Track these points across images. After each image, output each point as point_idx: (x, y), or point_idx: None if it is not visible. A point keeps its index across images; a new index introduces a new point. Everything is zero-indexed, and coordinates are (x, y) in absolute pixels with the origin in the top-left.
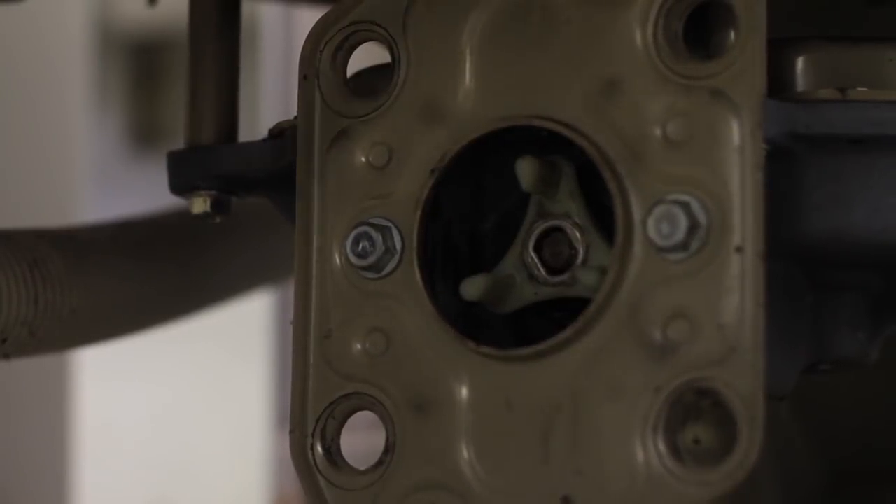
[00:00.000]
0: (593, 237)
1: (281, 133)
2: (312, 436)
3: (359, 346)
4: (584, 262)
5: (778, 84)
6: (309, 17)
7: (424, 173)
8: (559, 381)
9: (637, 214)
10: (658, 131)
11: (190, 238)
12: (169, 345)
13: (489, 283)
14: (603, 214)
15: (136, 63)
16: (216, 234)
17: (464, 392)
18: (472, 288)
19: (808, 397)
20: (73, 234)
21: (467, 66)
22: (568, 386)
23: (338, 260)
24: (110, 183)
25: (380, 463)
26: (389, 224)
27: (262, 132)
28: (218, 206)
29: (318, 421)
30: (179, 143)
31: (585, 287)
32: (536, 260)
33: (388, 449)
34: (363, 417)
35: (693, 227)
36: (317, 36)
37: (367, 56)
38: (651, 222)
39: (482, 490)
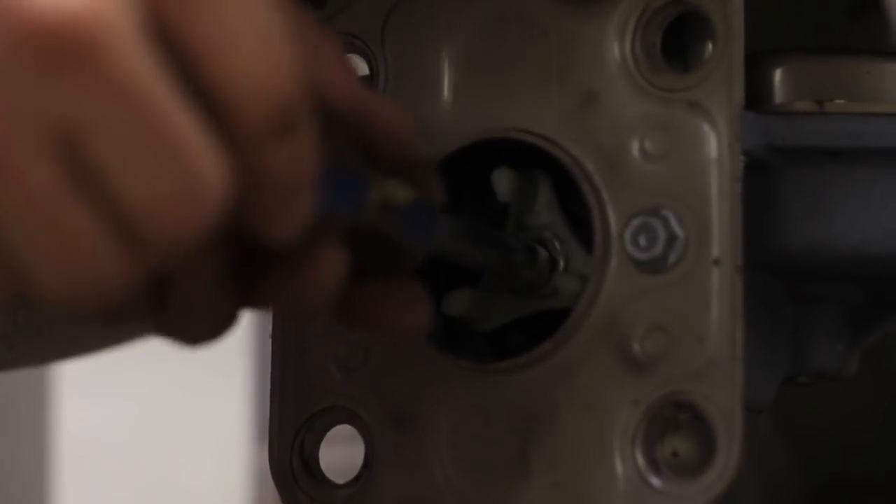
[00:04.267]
0: (573, 247)
1: None
2: (291, 449)
3: (337, 360)
4: (564, 271)
5: (756, 96)
6: None
7: None
8: (538, 395)
9: (615, 227)
10: (636, 144)
11: None
12: (149, 357)
13: (472, 298)
14: (581, 226)
15: None
16: None
17: (443, 405)
18: (455, 303)
19: (787, 409)
20: None
21: (445, 78)
22: (546, 399)
23: None
24: None
25: (359, 476)
26: None
27: None
28: None
29: (296, 434)
30: None
31: (566, 294)
32: None
33: (367, 462)
34: (343, 431)
35: (671, 239)
36: None
37: None
38: (628, 235)
39: None
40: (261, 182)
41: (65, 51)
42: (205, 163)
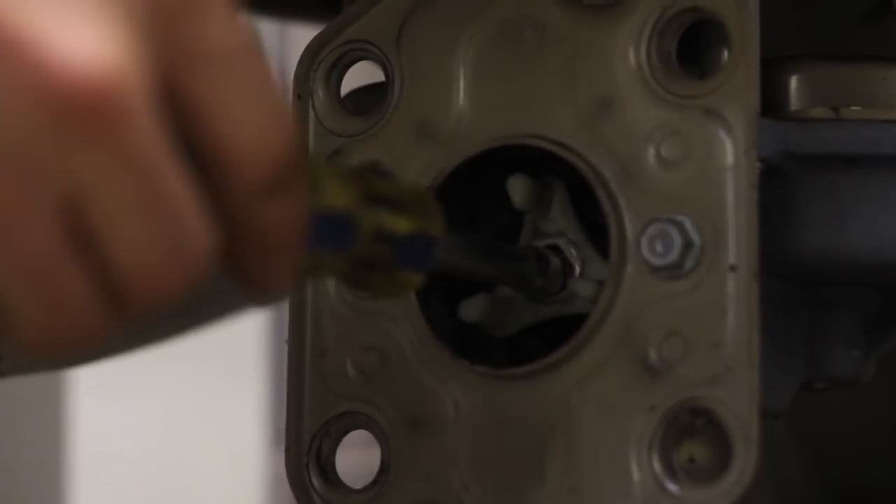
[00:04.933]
0: (589, 253)
1: None
2: (308, 454)
3: (353, 365)
4: (581, 276)
5: (771, 103)
6: (303, 36)
7: None
8: (554, 400)
9: (631, 233)
10: (652, 150)
11: None
12: (164, 362)
13: (488, 303)
14: (597, 232)
15: None
16: None
17: (459, 411)
18: (472, 309)
19: (804, 415)
20: None
21: (461, 84)
22: (563, 405)
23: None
24: None
25: (375, 482)
26: None
27: None
28: None
29: (313, 439)
30: None
31: (583, 299)
32: None
33: (384, 467)
34: (359, 436)
35: (687, 246)
36: (311, 55)
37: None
38: (645, 241)
39: None
40: (251, 241)
41: (86, 118)
42: (197, 231)
